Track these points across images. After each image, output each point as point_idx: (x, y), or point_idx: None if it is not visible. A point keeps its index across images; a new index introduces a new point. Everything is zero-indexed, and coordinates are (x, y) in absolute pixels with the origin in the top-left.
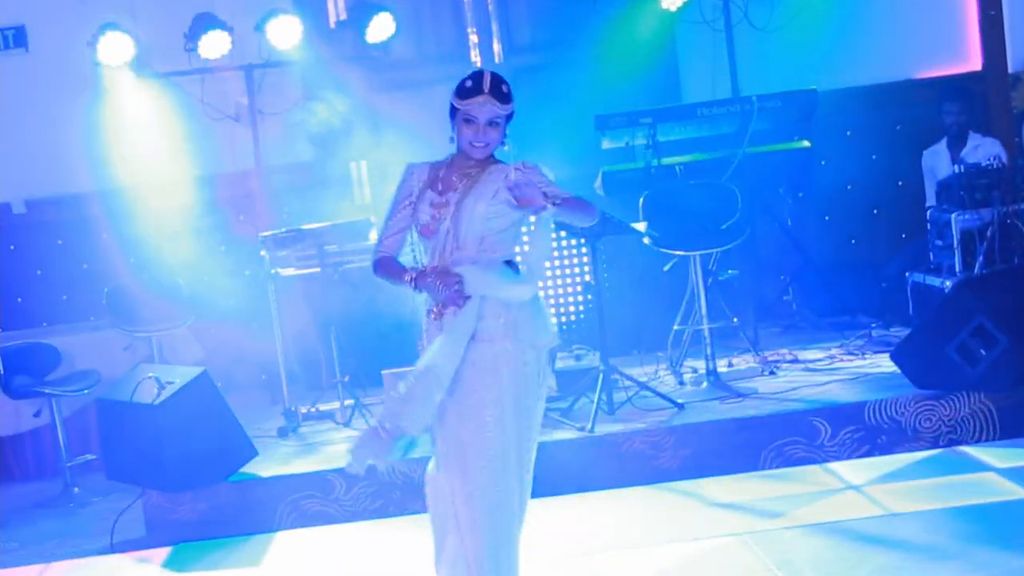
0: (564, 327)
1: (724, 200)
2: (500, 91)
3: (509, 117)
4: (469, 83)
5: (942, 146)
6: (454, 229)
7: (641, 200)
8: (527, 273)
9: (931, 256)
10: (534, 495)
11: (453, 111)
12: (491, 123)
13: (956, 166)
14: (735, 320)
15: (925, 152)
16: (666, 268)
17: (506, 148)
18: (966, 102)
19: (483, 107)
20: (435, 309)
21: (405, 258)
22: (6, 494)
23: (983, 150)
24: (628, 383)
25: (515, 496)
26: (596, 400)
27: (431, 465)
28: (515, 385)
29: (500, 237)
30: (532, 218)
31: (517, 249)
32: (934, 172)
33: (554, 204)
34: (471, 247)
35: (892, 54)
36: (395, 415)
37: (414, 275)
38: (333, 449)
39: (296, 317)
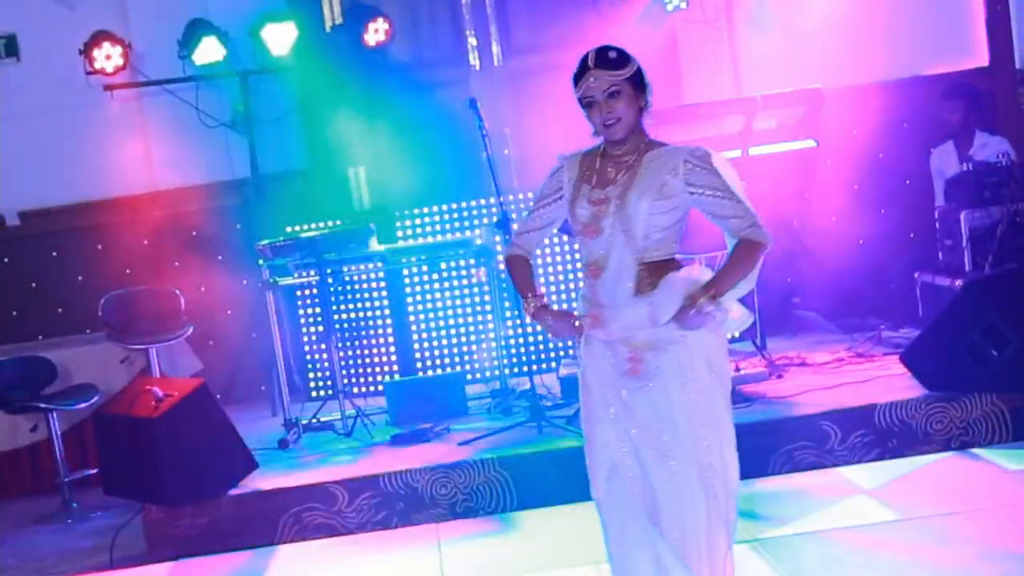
0: None
1: None
2: (607, 59)
3: (636, 82)
4: (577, 67)
5: (949, 145)
6: (621, 227)
7: None
8: (747, 279)
9: (940, 255)
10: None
11: (580, 103)
12: (611, 95)
13: (964, 164)
14: None
15: (933, 151)
16: None
17: (649, 121)
18: (969, 99)
19: (594, 82)
20: (534, 313)
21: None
22: (3, 510)
23: (991, 148)
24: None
25: None
26: None
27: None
28: (686, 393)
29: (665, 234)
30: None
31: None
32: (942, 172)
33: (717, 298)
34: (635, 247)
35: (898, 51)
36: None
37: (536, 306)
38: (335, 460)
39: (296, 326)
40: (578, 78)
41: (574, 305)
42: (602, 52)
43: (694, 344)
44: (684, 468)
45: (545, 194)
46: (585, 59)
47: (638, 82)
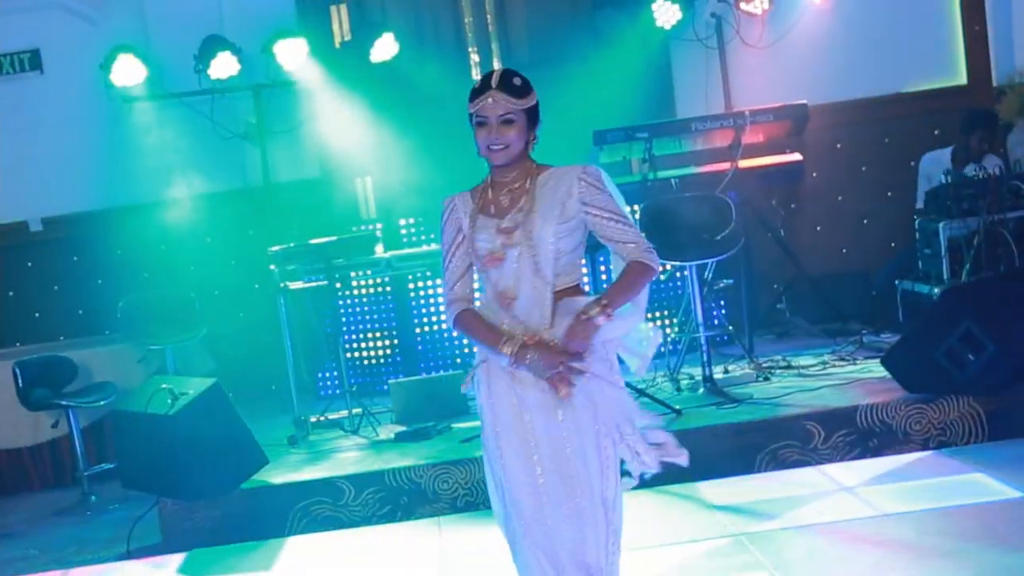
0: None
1: (718, 212)
2: (511, 84)
3: (532, 114)
4: (478, 84)
5: (946, 155)
6: (528, 254)
7: (638, 212)
8: (635, 304)
9: (920, 264)
10: None
11: (470, 119)
12: (505, 121)
13: (945, 176)
14: (730, 328)
15: (926, 156)
16: (663, 278)
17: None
18: (993, 128)
19: (492, 104)
20: (516, 353)
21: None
22: (26, 503)
23: (989, 166)
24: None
25: None
26: None
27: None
28: (593, 411)
29: (570, 259)
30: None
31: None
32: (931, 178)
33: (610, 315)
34: (548, 272)
35: (881, 69)
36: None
37: (514, 349)
38: (342, 456)
39: (305, 328)
40: (476, 94)
41: None
42: (507, 76)
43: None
44: (591, 504)
45: (450, 241)
46: (488, 77)
47: (533, 115)
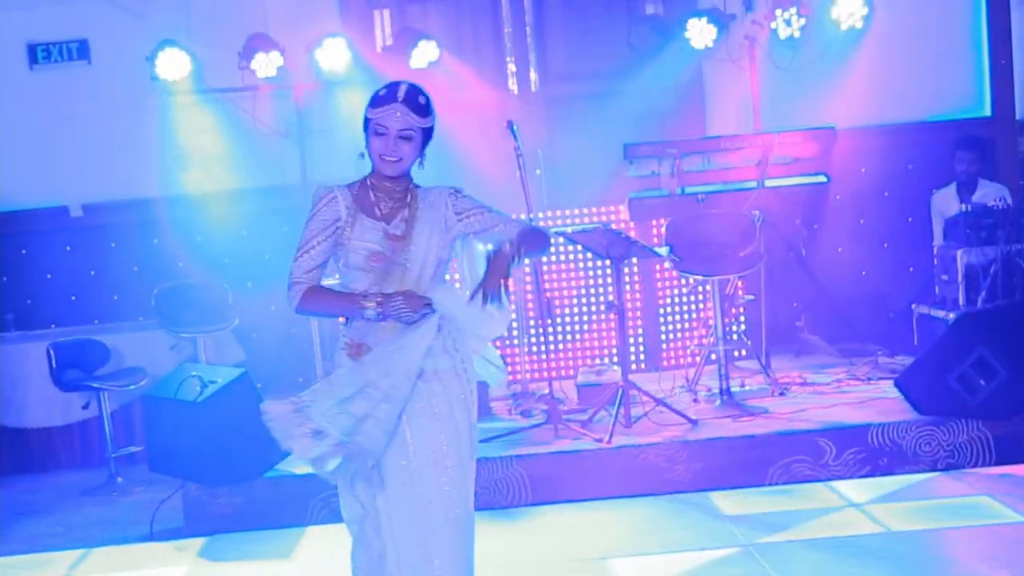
0: (588, 343)
1: (743, 229)
2: (416, 101)
3: (427, 134)
4: (383, 91)
5: (951, 190)
6: (411, 261)
7: (665, 226)
8: (501, 305)
9: (937, 290)
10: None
11: (366, 123)
12: (403, 136)
13: (964, 206)
14: (749, 343)
15: (935, 194)
16: (686, 291)
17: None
18: (980, 151)
19: (394, 116)
20: (351, 344)
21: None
22: (54, 481)
23: (991, 194)
24: (646, 399)
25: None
26: (615, 413)
27: (353, 514)
28: (469, 427)
29: (439, 271)
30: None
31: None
32: (942, 213)
33: (520, 257)
34: (426, 279)
35: (907, 97)
36: (351, 430)
37: (379, 299)
38: None
39: (333, 324)
40: (381, 103)
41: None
42: (414, 92)
43: (461, 378)
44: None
45: (321, 229)
46: (396, 89)
47: (429, 134)
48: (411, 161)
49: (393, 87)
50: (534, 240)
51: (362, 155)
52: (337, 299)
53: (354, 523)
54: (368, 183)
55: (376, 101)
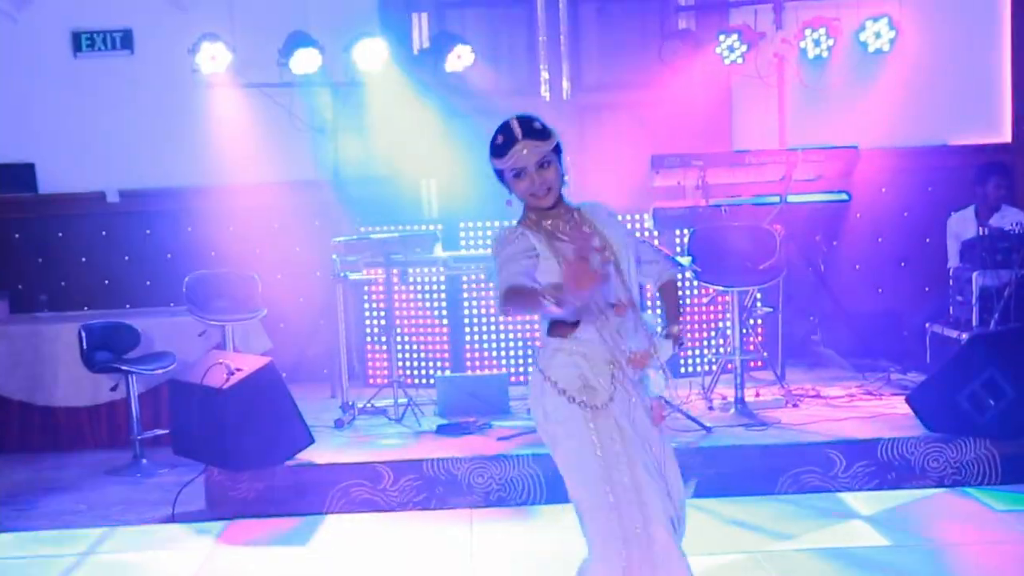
0: None
1: (764, 242)
2: (533, 129)
3: (559, 151)
4: (500, 138)
5: (970, 212)
6: (617, 271)
7: (688, 236)
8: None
9: (951, 310)
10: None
11: (499, 174)
12: (542, 165)
13: (982, 229)
14: (765, 354)
15: (952, 216)
16: (706, 301)
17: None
18: (1010, 177)
19: (523, 155)
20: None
21: None
22: (80, 460)
23: (1009, 218)
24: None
25: None
26: None
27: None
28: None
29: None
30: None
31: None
32: (959, 236)
33: (680, 341)
34: (632, 285)
35: (930, 120)
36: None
37: (553, 292)
38: (384, 443)
39: (360, 318)
40: (505, 148)
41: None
42: (528, 122)
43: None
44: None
45: (520, 251)
46: (510, 129)
47: (561, 155)
48: (558, 184)
49: (507, 130)
50: (678, 305)
51: (509, 202)
52: (525, 294)
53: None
54: (531, 219)
55: (497, 150)
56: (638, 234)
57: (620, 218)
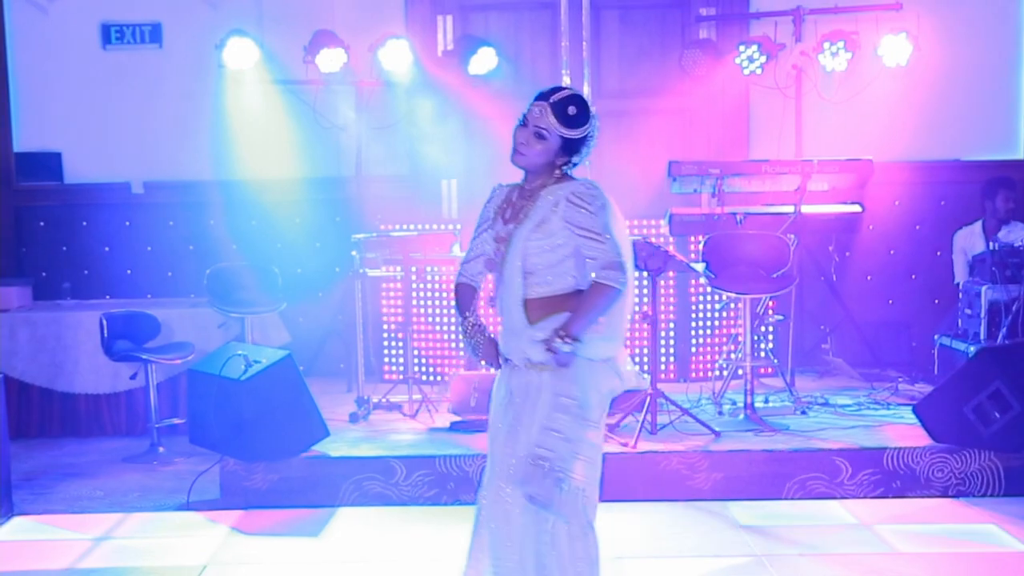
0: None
1: (778, 251)
2: (563, 109)
3: (567, 144)
4: (545, 89)
5: (977, 227)
6: (510, 263)
7: (703, 243)
8: (607, 329)
9: (960, 323)
10: None
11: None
12: (538, 134)
13: (991, 243)
14: (776, 361)
15: (959, 232)
16: (719, 307)
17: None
18: (1020, 192)
19: (537, 113)
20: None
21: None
22: (98, 447)
23: (1015, 233)
24: (672, 407)
25: None
26: (641, 420)
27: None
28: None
29: (554, 271)
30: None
31: (571, 281)
32: (965, 251)
33: (568, 339)
34: (519, 282)
35: (945, 136)
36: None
37: (472, 323)
38: (398, 438)
39: (377, 314)
40: (535, 98)
41: None
42: (567, 100)
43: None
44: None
45: (479, 223)
46: (552, 90)
47: (570, 145)
48: (537, 161)
49: (553, 88)
50: (588, 312)
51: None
52: (461, 304)
53: None
54: (522, 182)
55: (535, 97)
56: (654, 240)
57: (627, 222)
